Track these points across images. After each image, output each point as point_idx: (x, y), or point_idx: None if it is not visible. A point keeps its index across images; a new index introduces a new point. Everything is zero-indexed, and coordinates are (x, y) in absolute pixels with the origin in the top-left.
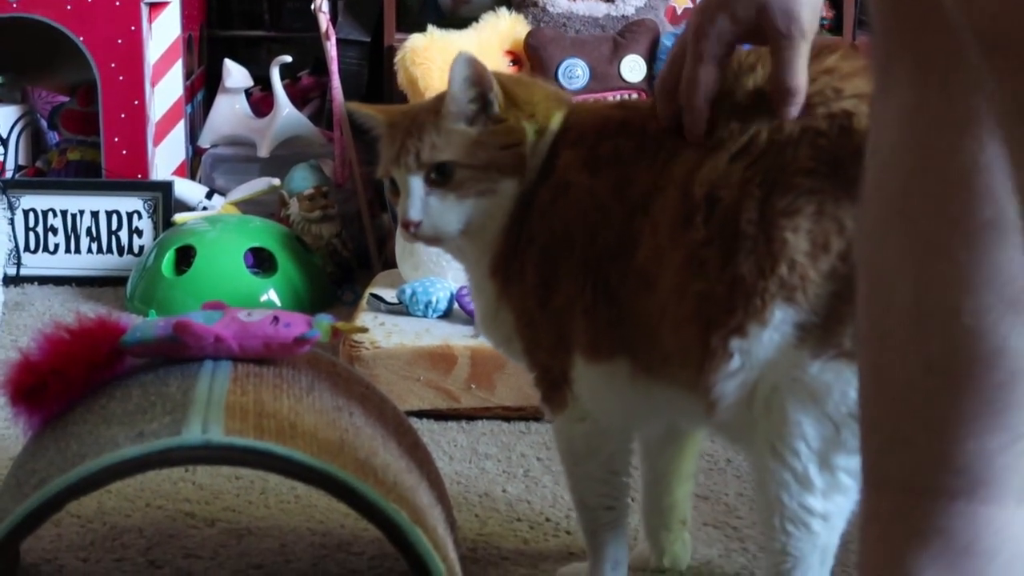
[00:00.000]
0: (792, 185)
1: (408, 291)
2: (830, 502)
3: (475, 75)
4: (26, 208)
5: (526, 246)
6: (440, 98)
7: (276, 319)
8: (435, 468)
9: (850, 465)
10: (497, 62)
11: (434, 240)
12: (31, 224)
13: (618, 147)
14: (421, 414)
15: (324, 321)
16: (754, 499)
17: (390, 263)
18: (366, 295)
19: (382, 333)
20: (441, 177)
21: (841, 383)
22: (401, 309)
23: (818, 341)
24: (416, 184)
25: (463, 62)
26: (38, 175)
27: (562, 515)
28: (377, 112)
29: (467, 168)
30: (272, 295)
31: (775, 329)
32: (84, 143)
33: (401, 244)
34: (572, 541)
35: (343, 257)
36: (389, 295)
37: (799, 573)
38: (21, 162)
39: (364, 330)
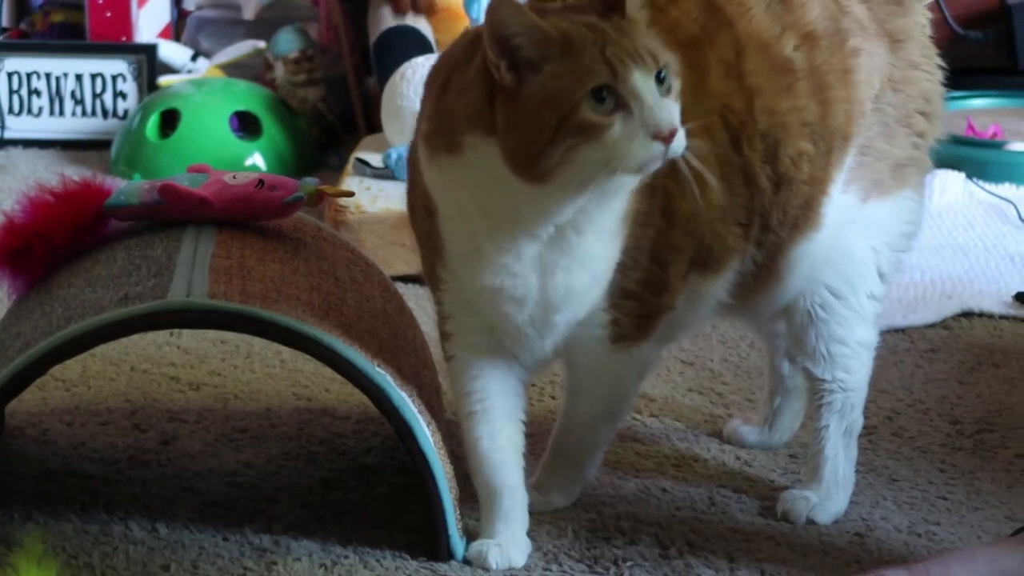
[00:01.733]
0: (844, 39)
1: (394, 155)
2: (875, 330)
3: None
4: (10, 71)
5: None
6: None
7: (261, 182)
8: (420, 333)
9: (882, 292)
10: None
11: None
12: (15, 87)
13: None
14: (407, 279)
15: (309, 184)
16: (744, 361)
17: (376, 127)
18: (352, 159)
19: (368, 198)
20: (660, 84)
21: (892, 216)
22: (387, 173)
23: (863, 183)
24: (655, 88)
25: None
26: (22, 37)
27: (546, 380)
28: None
29: (671, 71)
30: (257, 159)
31: (843, 180)
32: (67, 5)
33: (387, 107)
34: (555, 405)
35: (328, 121)
36: (375, 159)
37: (860, 403)
38: (4, 24)
39: (350, 194)
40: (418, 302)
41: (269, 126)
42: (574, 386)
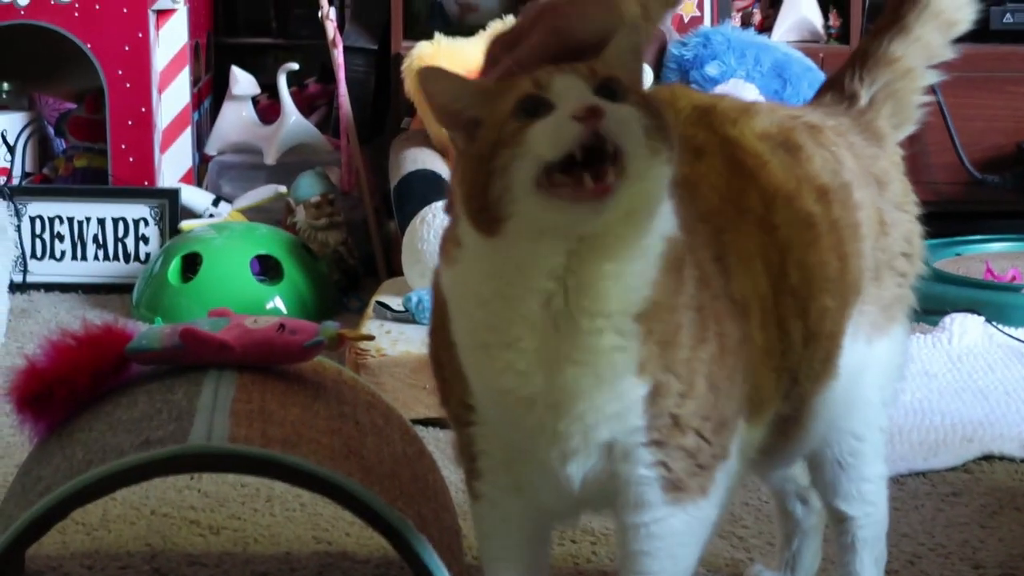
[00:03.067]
0: (849, 193)
1: (414, 299)
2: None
3: None
4: (33, 215)
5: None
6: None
7: (282, 326)
8: (440, 476)
9: (887, 424)
10: None
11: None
12: (38, 231)
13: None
14: (427, 422)
15: (330, 328)
16: (760, 505)
17: (396, 271)
18: (372, 303)
19: (388, 341)
20: (605, 94)
21: (890, 352)
22: (407, 317)
23: (864, 328)
24: (584, 88)
25: None
26: (45, 182)
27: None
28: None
29: (623, 85)
30: (278, 302)
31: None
32: (91, 150)
33: (408, 250)
34: (577, 550)
35: (349, 264)
36: (395, 303)
37: (884, 532)
38: (28, 169)
39: (370, 338)
40: (438, 446)
41: (290, 270)
42: (628, 564)
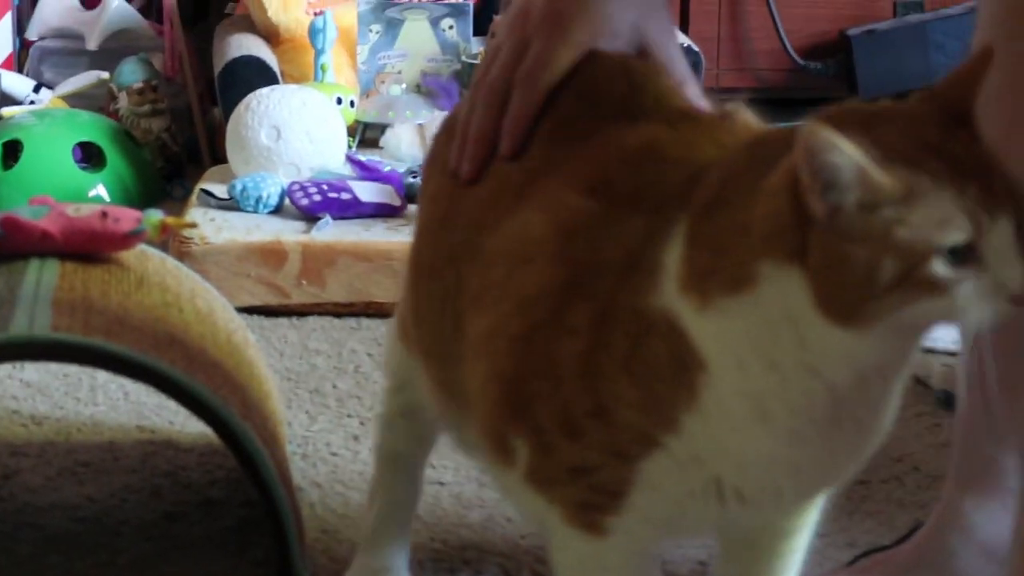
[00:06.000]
0: None
1: (239, 186)
2: None
3: None
4: None
5: None
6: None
7: (105, 214)
8: (264, 365)
9: None
10: None
11: None
12: None
13: None
14: (251, 310)
15: (154, 216)
16: None
17: (220, 158)
18: (196, 190)
19: (212, 229)
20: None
21: None
22: (232, 204)
23: None
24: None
25: None
26: None
27: None
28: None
29: None
30: (101, 190)
31: None
32: None
33: (232, 137)
34: None
35: (173, 152)
36: (220, 190)
37: None
38: None
39: (194, 225)
40: (262, 333)
41: (113, 157)
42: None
